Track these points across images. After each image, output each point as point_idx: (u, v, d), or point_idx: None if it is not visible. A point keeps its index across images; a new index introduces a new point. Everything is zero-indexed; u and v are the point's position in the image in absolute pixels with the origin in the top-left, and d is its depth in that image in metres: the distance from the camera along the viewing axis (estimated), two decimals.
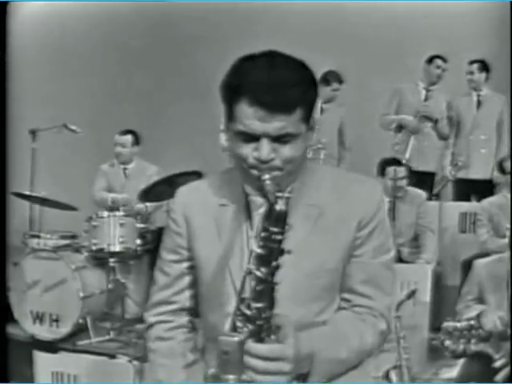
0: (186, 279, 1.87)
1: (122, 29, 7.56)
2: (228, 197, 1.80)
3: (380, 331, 1.76)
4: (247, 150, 1.65)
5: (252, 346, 1.48)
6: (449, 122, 6.18)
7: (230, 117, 1.66)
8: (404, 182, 5.21)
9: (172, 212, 1.88)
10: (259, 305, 1.50)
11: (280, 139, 1.62)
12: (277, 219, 1.49)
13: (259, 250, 1.50)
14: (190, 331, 1.91)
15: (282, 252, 1.50)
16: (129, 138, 5.94)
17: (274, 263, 1.49)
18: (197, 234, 1.82)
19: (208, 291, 1.80)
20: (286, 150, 1.64)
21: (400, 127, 6.19)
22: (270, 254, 1.49)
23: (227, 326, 1.58)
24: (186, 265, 1.86)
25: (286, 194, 1.51)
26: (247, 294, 1.53)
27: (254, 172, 1.65)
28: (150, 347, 1.91)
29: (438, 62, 6.18)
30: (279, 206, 1.49)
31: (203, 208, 1.81)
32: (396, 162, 5.27)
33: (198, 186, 1.91)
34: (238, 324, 1.51)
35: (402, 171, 5.18)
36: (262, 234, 1.50)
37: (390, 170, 5.14)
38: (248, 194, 1.77)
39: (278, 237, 1.49)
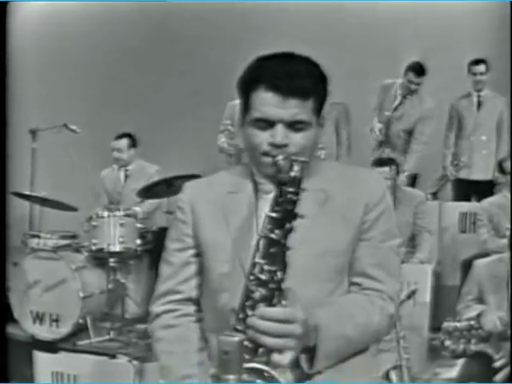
0: (191, 268, 1.89)
1: (122, 29, 7.56)
2: (237, 185, 1.87)
3: (388, 314, 1.78)
4: (262, 138, 1.74)
5: (264, 309, 1.52)
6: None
7: (246, 108, 1.77)
8: (388, 183, 5.10)
9: (179, 201, 1.93)
10: (272, 267, 1.54)
11: (294, 126, 1.72)
12: (292, 182, 1.59)
13: (274, 214, 1.57)
14: (197, 321, 1.91)
15: (295, 215, 1.56)
16: (125, 141, 5.93)
17: (287, 225, 1.56)
18: (203, 220, 1.86)
19: (214, 277, 1.81)
20: (299, 138, 1.73)
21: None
22: (285, 217, 1.56)
23: (236, 305, 1.59)
24: (190, 253, 1.88)
25: (302, 158, 1.61)
26: (259, 259, 1.57)
27: (268, 159, 1.73)
28: (157, 336, 1.91)
29: (411, 75, 5.97)
30: (294, 172, 1.59)
31: (211, 196, 1.87)
32: (382, 162, 5.21)
33: (206, 179, 2.00)
34: (252, 288, 1.55)
35: (385, 172, 5.09)
36: (278, 199, 1.59)
37: (376, 171, 5.07)
38: (258, 182, 1.83)
39: (294, 197, 1.57)
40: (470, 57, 6.07)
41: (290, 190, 1.57)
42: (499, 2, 5.80)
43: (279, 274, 1.55)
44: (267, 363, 1.51)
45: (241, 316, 1.55)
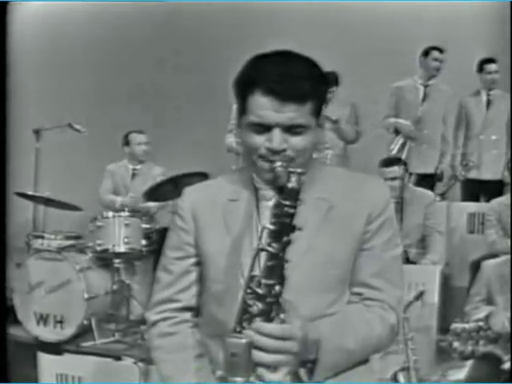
0: (190, 277, 1.86)
1: (123, 28, 7.55)
2: (238, 192, 1.83)
3: (389, 324, 1.76)
4: (259, 141, 1.69)
5: (262, 324, 1.48)
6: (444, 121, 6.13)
7: (243, 110, 1.72)
8: (397, 183, 5.07)
9: (179, 209, 1.89)
10: (270, 281, 1.51)
11: (291, 130, 1.68)
12: (289, 194, 1.54)
13: (271, 226, 1.53)
14: (194, 326, 1.88)
15: (293, 228, 1.53)
16: (144, 137, 6.00)
17: (285, 238, 1.52)
18: (205, 229, 1.82)
19: (216, 286, 1.78)
20: (297, 141, 1.69)
21: (397, 131, 6.12)
22: (282, 230, 1.52)
23: (234, 318, 1.56)
24: (191, 261, 1.85)
25: (299, 170, 1.56)
26: (257, 272, 1.54)
27: (266, 163, 1.70)
28: (154, 345, 1.88)
29: (435, 53, 6.02)
30: (292, 183, 1.54)
31: (212, 204, 1.83)
32: (389, 162, 5.16)
33: (206, 184, 1.96)
34: (249, 302, 1.51)
35: (394, 172, 5.05)
36: (274, 211, 1.55)
37: (384, 170, 5.03)
38: (258, 188, 1.80)
39: (291, 210, 1.53)
40: (470, 56, 6.05)
41: (287, 202, 1.53)
42: (499, 1, 5.80)
43: (277, 287, 1.51)
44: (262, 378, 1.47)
45: (238, 329, 1.51)
